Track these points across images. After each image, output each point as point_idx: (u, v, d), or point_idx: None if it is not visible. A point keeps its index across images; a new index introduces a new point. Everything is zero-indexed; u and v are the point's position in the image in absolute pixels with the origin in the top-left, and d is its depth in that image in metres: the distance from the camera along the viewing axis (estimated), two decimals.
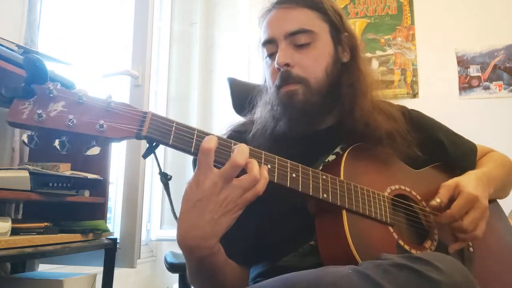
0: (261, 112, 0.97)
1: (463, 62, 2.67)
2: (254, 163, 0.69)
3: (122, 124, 0.64)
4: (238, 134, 0.97)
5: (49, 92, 0.61)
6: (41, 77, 0.61)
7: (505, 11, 2.62)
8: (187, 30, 3.00)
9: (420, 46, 2.76)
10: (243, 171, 0.68)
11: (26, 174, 1.18)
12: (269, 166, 0.72)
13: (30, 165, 1.27)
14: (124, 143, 1.92)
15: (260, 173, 0.69)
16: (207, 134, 0.69)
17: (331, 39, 0.94)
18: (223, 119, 2.77)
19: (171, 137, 0.66)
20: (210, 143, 0.66)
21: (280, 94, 0.90)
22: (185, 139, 0.68)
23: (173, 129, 0.67)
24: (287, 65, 0.89)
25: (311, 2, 0.93)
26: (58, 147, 0.61)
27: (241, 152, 0.67)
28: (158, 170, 0.73)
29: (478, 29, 2.66)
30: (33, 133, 0.61)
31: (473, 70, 2.65)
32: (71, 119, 0.61)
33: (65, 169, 1.38)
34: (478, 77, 2.64)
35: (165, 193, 0.79)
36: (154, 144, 0.68)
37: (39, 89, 0.61)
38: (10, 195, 1.16)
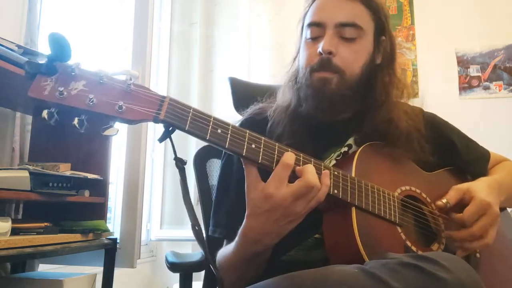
0: (285, 91, 0.98)
1: (463, 62, 2.67)
2: (326, 179, 0.72)
3: (140, 107, 0.64)
4: (256, 116, 0.99)
5: (71, 71, 0.62)
6: (64, 55, 0.61)
7: (505, 11, 2.62)
8: (187, 30, 3.00)
9: (420, 46, 2.76)
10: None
11: (26, 174, 1.18)
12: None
13: (30, 165, 1.27)
14: (124, 142, 1.92)
15: (321, 181, 0.72)
16: (224, 122, 0.70)
17: (373, 39, 0.96)
18: (223, 119, 2.76)
19: (188, 122, 0.67)
20: (291, 160, 0.70)
21: (314, 77, 0.91)
22: (202, 125, 0.68)
23: (190, 115, 0.67)
24: (330, 53, 0.90)
25: (368, 0, 0.94)
26: (77, 125, 0.62)
27: (312, 171, 0.70)
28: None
29: (478, 29, 2.66)
30: (53, 110, 0.61)
31: (473, 70, 2.65)
32: (92, 98, 0.61)
33: (65, 169, 1.38)
34: (478, 77, 2.64)
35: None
36: (171, 128, 0.69)
37: (61, 67, 0.61)
38: (10, 195, 1.15)
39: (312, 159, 0.76)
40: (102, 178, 1.52)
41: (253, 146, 0.71)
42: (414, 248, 0.82)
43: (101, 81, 0.63)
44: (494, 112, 2.56)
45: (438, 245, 0.88)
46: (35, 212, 1.50)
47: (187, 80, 2.93)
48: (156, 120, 0.66)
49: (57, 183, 1.30)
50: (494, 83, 2.61)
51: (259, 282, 0.71)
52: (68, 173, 1.37)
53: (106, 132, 0.64)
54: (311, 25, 0.94)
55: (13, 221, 1.16)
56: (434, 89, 2.67)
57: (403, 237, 0.82)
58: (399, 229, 0.83)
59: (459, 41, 2.68)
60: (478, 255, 0.92)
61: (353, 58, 0.92)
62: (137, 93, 0.65)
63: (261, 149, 0.71)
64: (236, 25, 2.99)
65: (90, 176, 1.46)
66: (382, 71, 0.97)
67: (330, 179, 0.77)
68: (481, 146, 1.10)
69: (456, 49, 2.68)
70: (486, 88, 2.62)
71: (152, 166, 2.67)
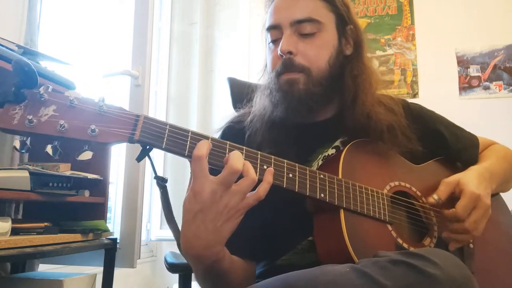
0: (260, 97, 0.96)
1: (463, 62, 2.67)
2: (248, 166, 0.67)
3: (114, 128, 0.63)
4: (236, 125, 0.97)
5: (40, 97, 0.60)
6: (30, 82, 0.59)
7: (505, 11, 2.62)
8: (187, 30, 3.00)
9: (420, 46, 2.75)
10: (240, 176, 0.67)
11: (26, 174, 1.18)
12: (264, 167, 0.72)
13: (30, 165, 1.27)
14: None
15: (264, 177, 0.69)
16: (202, 136, 0.68)
17: (336, 31, 0.93)
18: (223, 119, 2.76)
19: (164, 140, 0.65)
20: (201, 150, 0.65)
21: (280, 81, 0.90)
22: (179, 142, 0.66)
23: (167, 131, 0.66)
24: (290, 53, 0.88)
25: None
26: (50, 152, 0.61)
27: (237, 156, 0.66)
28: (162, 165, 0.73)
29: (478, 29, 2.66)
30: (24, 139, 0.60)
31: (473, 70, 2.65)
32: (62, 124, 0.60)
33: (65, 169, 1.38)
34: (478, 77, 2.64)
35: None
36: (148, 147, 0.67)
37: (29, 94, 0.59)
38: (10, 195, 1.15)
39: (273, 157, 0.73)
40: (102, 178, 1.52)
41: None
42: (405, 245, 0.82)
43: (71, 105, 0.61)
44: (494, 112, 2.56)
45: (430, 239, 0.88)
46: (35, 212, 1.50)
47: (187, 80, 2.94)
48: (131, 141, 0.64)
49: (57, 183, 1.30)
50: (494, 83, 2.61)
51: (252, 285, 0.71)
52: (68, 173, 1.37)
53: (81, 157, 0.62)
54: (270, 28, 0.93)
55: (13, 221, 1.16)
56: (434, 89, 2.67)
57: (394, 234, 0.82)
58: (389, 227, 0.83)
59: (459, 41, 2.68)
60: (471, 245, 0.92)
61: (315, 54, 0.89)
62: (110, 114, 0.63)
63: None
64: (236, 25, 2.99)
65: (90, 176, 1.46)
66: (351, 63, 0.94)
67: (316, 184, 0.76)
68: (469, 132, 1.09)
69: (456, 49, 2.68)
70: (486, 88, 2.62)
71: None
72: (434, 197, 0.87)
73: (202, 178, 0.65)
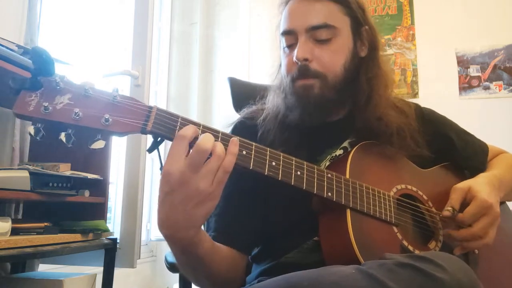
0: (274, 97, 0.96)
1: (463, 62, 2.67)
2: (217, 143, 0.65)
3: (127, 119, 0.64)
4: (248, 121, 0.97)
5: (56, 85, 0.61)
6: (47, 69, 0.61)
7: (505, 11, 2.62)
8: (187, 30, 3.00)
9: (420, 46, 2.76)
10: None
11: (26, 174, 1.18)
12: (273, 163, 0.72)
13: (30, 165, 1.27)
14: (124, 142, 1.92)
15: (227, 150, 0.66)
16: (212, 129, 0.69)
17: (351, 34, 0.93)
18: (223, 119, 2.77)
19: (176, 132, 0.66)
20: (186, 131, 0.64)
21: (296, 86, 0.90)
22: None
23: (178, 124, 0.67)
24: (306, 59, 0.88)
25: None
26: (64, 139, 0.61)
27: (206, 137, 0.64)
28: (159, 166, 0.72)
29: (478, 29, 2.66)
30: (39, 125, 0.60)
31: (473, 70, 2.65)
32: (77, 112, 0.60)
33: (65, 169, 1.38)
34: (478, 77, 2.64)
35: None
36: (159, 139, 0.68)
37: (46, 81, 0.60)
38: (10, 195, 1.15)
39: (282, 154, 0.73)
40: (102, 178, 1.52)
41: (244, 152, 0.70)
42: (411, 248, 0.81)
43: (86, 94, 0.62)
44: (494, 112, 2.56)
45: (436, 243, 0.87)
46: (35, 212, 1.50)
47: (187, 80, 2.94)
48: (143, 131, 0.65)
49: (57, 183, 1.30)
50: (494, 83, 2.61)
51: (255, 284, 0.70)
52: (68, 173, 1.37)
53: (94, 146, 0.63)
54: (284, 33, 0.92)
55: (13, 221, 1.16)
56: (434, 89, 2.67)
57: (400, 237, 0.82)
58: (395, 229, 0.82)
59: (459, 41, 2.68)
60: (476, 251, 0.92)
61: (331, 60, 0.89)
62: (124, 104, 0.64)
63: (252, 155, 0.70)
64: (236, 25, 2.99)
65: (90, 176, 1.46)
66: (366, 64, 0.93)
67: (324, 182, 0.76)
68: (479, 139, 1.09)
69: (456, 49, 2.68)
70: (486, 88, 2.62)
71: (152, 166, 2.67)
72: (448, 209, 0.85)
73: (174, 158, 0.63)
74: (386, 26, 2.83)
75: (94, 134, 0.63)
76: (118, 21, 2.50)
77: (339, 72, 0.90)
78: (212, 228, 0.90)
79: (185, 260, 0.77)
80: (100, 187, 1.52)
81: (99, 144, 0.64)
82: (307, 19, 0.89)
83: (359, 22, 0.93)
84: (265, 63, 2.85)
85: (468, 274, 0.64)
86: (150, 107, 0.66)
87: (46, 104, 0.59)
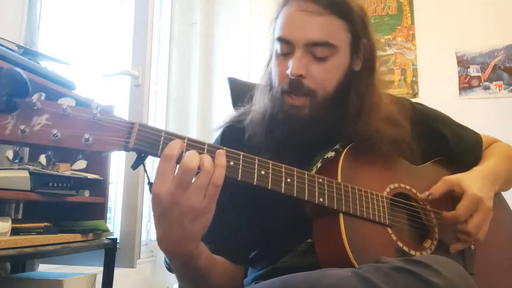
0: (260, 97, 0.93)
1: (463, 62, 2.67)
2: (204, 158, 0.64)
3: (108, 137, 0.62)
4: (236, 124, 0.95)
5: (32, 105, 0.58)
6: (22, 91, 0.58)
7: (505, 11, 2.62)
8: (187, 30, 3.00)
9: (420, 46, 2.76)
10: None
11: (26, 174, 1.18)
12: (262, 172, 0.70)
13: (30, 165, 1.27)
14: None
15: (215, 163, 0.65)
16: (198, 141, 0.67)
17: (349, 50, 0.88)
18: (223, 119, 2.76)
19: (160, 147, 0.64)
20: (171, 150, 0.62)
21: (285, 102, 0.86)
22: None
23: (162, 139, 0.65)
24: (300, 75, 0.84)
25: (340, 9, 0.85)
26: (43, 162, 0.60)
27: (191, 154, 0.63)
28: (147, 181, 0.70)
29: (478, 29, 2.66)
30: (17, 149, 0.59)
31: (473, 70, 2.65)
32: (55, 133, 0.58)
33: (65, 169, 1.38)
34: (478, 77, 2.64)
35: None
36: (143, 155, 0.66)
37: (22, 103, 0.58)
38: (10, 195, 1.15)
39: (271, 162, 0.72)
40: (102, 178, 1.52)
41: (232, 163, 0.68)
42: (406, 248, 0.81)
43: (65, 113, 0.60)
44: (494, 112, 2.56)
45: (431, 241, 0.87)
46: (35, 212, 1.50)
47: (187, 80, 2.94)
48: (126, 149, 0.63)
49: (57, 183, 1.30)
50: (494, 83, 2.61)
51: (252, 286, 0.70)
52: (68, 173, 1.37)
53: (75, 166, 0.61)
54: (280, 40, 0.86)
55: (13, 221, 1.16)
56: (434, 89, 2.67)
57: (394, 238, 0.81)
58: (389, 230, 0.82)
59: (459, 41, 2.68)
60: (472, 247, 0.91)
61: (326, 78, 0.85)
62: (104, 122, 0.62)
63: (240, 166, 0.69)
64: (236, 25, 2.99)
65: (90, 176, 1.46)
66: (359, 79, 0.89)
67: (315, 188, 0.75)
68: (473, 131, 1.07)
69: (456, 49, 2.68)
70: (486, 88, 2.62)
71: (152, 166, 2.67)
72: (425, 193, 0.86)
73: (162, 179, 0.62)
74: (386, 26, 2.83)
75: (75, 154, 0.61)
76: (118, 21, 2.50)
77: (331, 90, 0.86)
78: (205, 240, 0.89)
79: (185, 273, 0.78)
80: (100, 187, 1.52)
81: (80, 165, 0.62)
82: (307, 32, 0.84)
83: (359, 37, 0.89)
84: (265, 63, 2.85)
85: (464, 279, 0.64)
86: (132, 123, 0.63)
87: (22, 126, 0.57)
